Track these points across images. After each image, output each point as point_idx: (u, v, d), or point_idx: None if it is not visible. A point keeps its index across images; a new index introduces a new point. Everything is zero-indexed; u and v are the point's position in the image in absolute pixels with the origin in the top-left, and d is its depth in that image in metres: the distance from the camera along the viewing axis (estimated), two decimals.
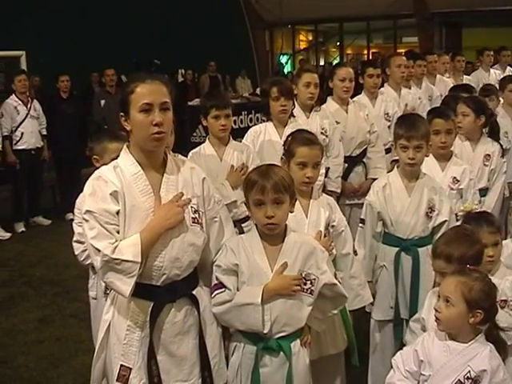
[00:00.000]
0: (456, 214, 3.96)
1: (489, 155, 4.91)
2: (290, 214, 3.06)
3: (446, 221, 3.82)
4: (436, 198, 3.84)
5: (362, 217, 4.07)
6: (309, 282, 2.98)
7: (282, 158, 3.56)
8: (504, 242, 3.73)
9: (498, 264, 3.36)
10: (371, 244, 4.00)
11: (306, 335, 3.08)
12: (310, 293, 2.99)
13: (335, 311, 3.24)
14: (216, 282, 2.99)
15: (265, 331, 2.91)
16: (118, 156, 3.50)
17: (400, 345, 3.59)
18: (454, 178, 4.31)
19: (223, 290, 2.96)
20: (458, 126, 4.60)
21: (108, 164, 2.87)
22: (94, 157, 3.72)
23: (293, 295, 2.94)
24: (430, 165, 4.31)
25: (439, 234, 3.70)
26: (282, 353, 2.97)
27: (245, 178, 3.13)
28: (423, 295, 3.46)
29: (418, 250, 3.81)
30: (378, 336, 4.06)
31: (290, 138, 3.58)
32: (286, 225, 3.04)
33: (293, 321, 2.97)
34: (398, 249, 3.86)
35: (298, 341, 3.03)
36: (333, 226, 3.52)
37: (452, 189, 4.29)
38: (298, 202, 3.36)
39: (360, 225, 4.07)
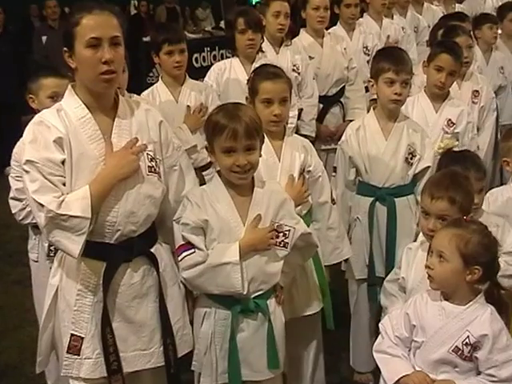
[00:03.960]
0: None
1: (477, 91, 4.94)
2: (263, 158, 3.07)
3: (428, 167, 3.84)
4: (417, 141, 3.85)
5: (335, 164, 4.09)
6: (281, 234, 3.00)
7: (246, 98, 3.55)
8: (498, 188, 3.78)
9: (480, 211, 3.39)
10: (343, 192, 4.01)
11: (279, 291, 3.11)
12: (284, 246, 3.01)
13: (302, 263, 3.30)
14: (183, 242, 2.97)
15: (244, 292, 2.93)
16: (54, 93, 3.48)
17: (378, 307, 3.63)
18: (449, 120, 4.33)
19: (193, 250, 2.94)
20: (464, 61, 4.62)
21: (44, 103, 2.79)
22: (30, 96, 3.68)
23: (268, 249, 2.97)
24: (422, 104, 4.32)
25: (422, 182, 3.73)
26: (259, 313, 3.00)
27: (207, 119, 3.09)
28: (401, 252, 3.49)
29: (395, 200, 3.83)
30: (356, 297, 4.11)
31: (252, 75, 3.57)
32: None
33: (268, 277, 3.00)
34: (372, 199, 3.88)
35: (274, 298, 3.07)
36: (309, 172, 3.52)
37: (446, 132, 4.31)
38: (269, 144, 3.36)
39: (333, 173, 4.09)
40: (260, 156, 3.01)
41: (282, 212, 3.02)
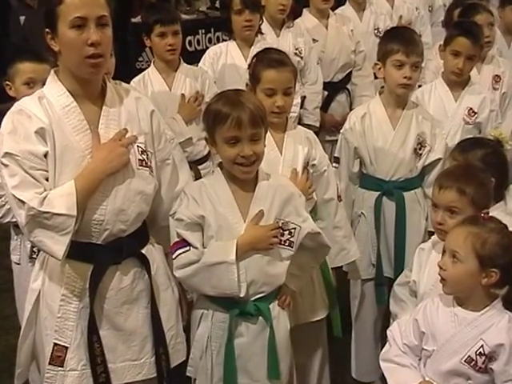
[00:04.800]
0: None
1: (498, 76, 4.91)
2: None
3: (439, 159, 3.84)
4: (427, 131, 3.86)
5: (336, 154, 4.08)
6: (287, 233, 2.99)
7: (247, 85, 3.53)
8: None
9: None
10: (347, 186, 4.01)
11: (284, 294, 3.09)
12: (289, 245, 3.00)
13: (316, 265, 3.29)
14: (178, 239, 2.96)
15: (241, 294, 2.91)
16: (30, 79, 3.51)
17: (385, 310, 3.62)
18: (471, 109, 4.31)
19: (187, 248, 2.93)
20: (486, 41, 4.60)
21: (20, 90, 2.74)
22: (6, 82, 3.68)
23: (270, 249, 2.96)
24: (440, 92, 4.29)
25: (432, 175, 3.75)
26: (260, 318, 2.99)
27: (206, 108, 3.08)
28: (411, 251, 3.48)
29: (403, 195, 3.84)
30: (359, 300, 4.11)
31: (254, 60, 3.54)
32: None
33: (271, 279, 2.99)
34: (378, 193, 3.88)
35: (277, 302, 3.06)
36: (313, 166, 3.51)
37: (468, 123, 4.28)
38: (270, 136, 3.36)
39: (334, 164, 4.06)
40: (265, 146, 3.01)
41: (287, 208, 3.01)
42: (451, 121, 4.28)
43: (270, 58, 3.48)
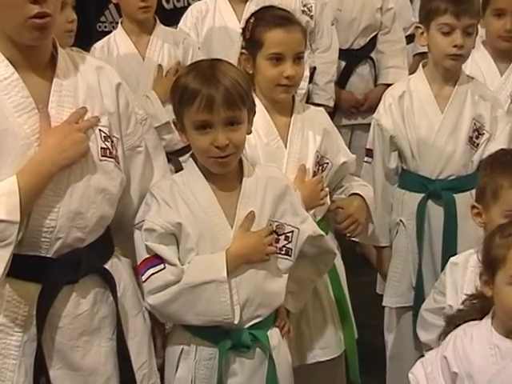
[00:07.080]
0: None
1: None
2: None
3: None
4: (486, 114, 3.85)
5: (369, 146, 4.07)
6: (283, 238, 3.02)
7: (241, 54, 3.52)
8: None
9: None
10: (383, 186, 4.01)
11: (283, 319, 3.12)
12: (287, 253, 3.03)
13: (317, 278, 3.31)
14: (148, 255, 2.96)
15: (236, 321, 2.91)
16: None
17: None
18: None
19: (162, 266, 2.92)
20: None
21: None
22: None
23: (266, 260, 2.96)
24: (480, 64, 4.29)
25: None
26: (257, 350, 2.99)
27: (174, 82, 3.11)
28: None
29: (454, 197, 3.84)
30: (394, 333, 4.12)
31: (252, 20, 3.53)
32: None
33: (268, 298, 3.00)
34: (422, 195, 3.88)
35: (276, 329, 3.08)
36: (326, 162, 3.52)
37: None
38: (270, 121, 3.36)
39: (366, 158, 4.09)
40: (249, 133, 3.02)
41: (282, 206, 3.03)
42: None
43: (275, 15, 3.49)
